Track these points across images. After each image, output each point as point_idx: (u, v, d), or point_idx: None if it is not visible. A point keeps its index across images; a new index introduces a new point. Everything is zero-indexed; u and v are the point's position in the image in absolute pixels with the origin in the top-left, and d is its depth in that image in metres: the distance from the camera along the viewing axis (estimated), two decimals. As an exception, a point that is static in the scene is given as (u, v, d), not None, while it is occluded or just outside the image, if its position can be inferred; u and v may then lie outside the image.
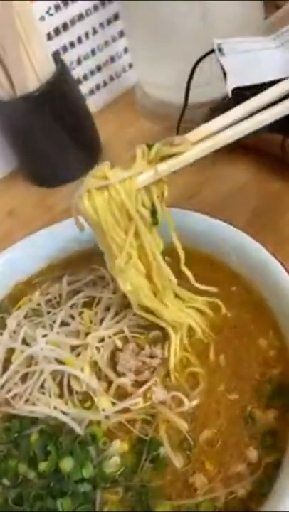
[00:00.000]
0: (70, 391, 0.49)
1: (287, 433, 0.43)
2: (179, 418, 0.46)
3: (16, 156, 0.79)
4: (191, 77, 0.62)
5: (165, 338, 0.50)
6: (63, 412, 0.47)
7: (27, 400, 0.49)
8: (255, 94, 0.47)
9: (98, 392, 0.48)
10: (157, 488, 0.43)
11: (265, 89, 0.47)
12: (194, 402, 0.46)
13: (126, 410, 0.47)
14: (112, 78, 0.89)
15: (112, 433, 0.46)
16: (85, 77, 0.85)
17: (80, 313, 0.53)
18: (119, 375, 0.49)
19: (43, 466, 0.45)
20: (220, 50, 0.56)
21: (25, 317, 0.55)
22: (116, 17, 0.84)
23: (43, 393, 0.49)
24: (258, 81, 0.52)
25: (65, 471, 0.44)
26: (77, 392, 0.49)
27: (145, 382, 0.48)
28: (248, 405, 0.45)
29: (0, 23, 0.64)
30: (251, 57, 0.56)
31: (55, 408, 0.48)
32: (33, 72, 0.69)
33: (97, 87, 0.87)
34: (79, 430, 0.46)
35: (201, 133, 0.45)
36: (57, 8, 0.77)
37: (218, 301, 0.52)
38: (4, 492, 0.45)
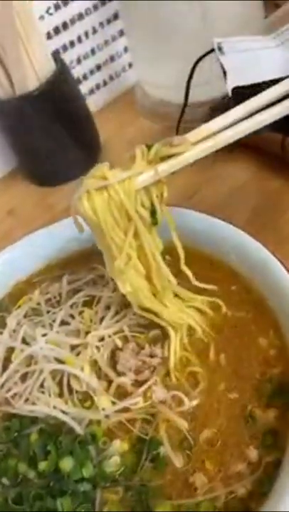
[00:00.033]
0: (70, 390, 0.49)
1: (288, 432, 0.43)
2: (179, 417, 0.45)
3: (16, 155, 0.79)
4: (191, 77, 0.62)
5: (165, 337, 0.50)
6: (63, 412, 0.47)
7: (27, 400, 0.49)
8: (255, 93, 0.47)
9: (98, 392, 0.48)
10: (157, 487, 0.43)
11: (265, 88, 0.47)
12: (194, 402, 0.46)
13: (126, 410, 0.47)
14: (111, 77, 0.89)
15: (112, 432, 0.46)
16: (85, 77, 0.85)
17: (80, 313, 0.53)
18: (119, 374, 0.49)
19: (42, 465, 0.44)
20: (220, 49, 0.56)
21: (25, 316, 0.55)
22: (116, 16, 0.84)
23: (43, 392, 0.49)
24: (258, 80, 0.52)
25: (65, 471, 0.44)
26: (77, 392, 0.49)
27: (145, 381, 0.48)
28: (248, 404, 0.45)
29: (0, 23, 0.64)
30: (251, 56, 0.56)
31: (54, 407, 0.47)
32: (33, 72, 0.69)
33: (97, 87, 0.87)
34: (79, 429, 0.46)
35: (201, 133, 0.45)
36: (57, 7, 0.77)
37: (218, 301, 0.52)
38: (4, 491, 0.45)
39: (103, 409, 0.47)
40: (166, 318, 0.50)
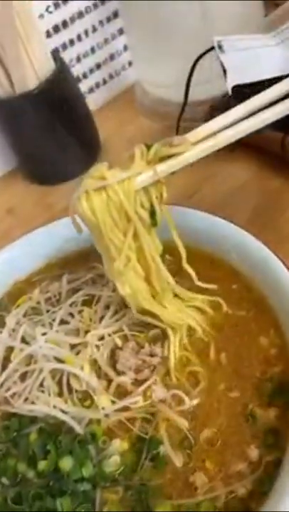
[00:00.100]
0: (70, 389, 0.49)
1: (288, 431, 0.43)
2: (179, 416, 0.45)
3: (16, 155, 0.79)
4: (191, 75, 0.62)
5: (165, 336, 0.50)
6: (63, 411, 0.47)
7: (26, 399, 0.49)
8: (255, 91, 0.47)
9: (98, 391, 0.48)
10: (157, 487, 0.43)
11: (265, 86, 0.47)
12: (195, 401, 0.46)
13: (126, 409, 0.47)
14: (111, 76, 0.88)
15: (111, 432, 0.46)
16: (85, 75, 0.85)
17: (80, 312, 0.53)
18: (119, 373, 0.49)
19: (42, 465, 0.44)
20: (220, 47, 0.56)
21: (25, 315, 0.55)
22: (115, 15, 0.83)
23: (43, 392, 0.48)
24: (258, 78, 0.52)
25: (64, 470, 0.44)
26: (76, 391, 0.48)
27: (145, 380, 0.48)
28: (248, 404, 0.45)
29: (0, 23, 0.64)
30: (251, 55, 0.56)
31: (54, 407, 0.47)
32: (33, 71, 0.69)
33: (97, 85, 0.87)
34: (78, 429, 0.46)
35: (201, 133, 0.45)
36: (56, 5, 0.76)
37: (219, 300, 0.52)
38: (3, 491, 0.44)
39: (103, 408, 0.47)
40: (166, 319, 0.49)
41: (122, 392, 0.48)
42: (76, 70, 0.82)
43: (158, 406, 0.46)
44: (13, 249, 0.59)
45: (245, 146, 0.67)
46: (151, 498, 0.42)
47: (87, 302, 0.54)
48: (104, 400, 0.47)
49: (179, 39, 0.71)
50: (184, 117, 0.66)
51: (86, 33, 0.82)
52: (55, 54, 0.73)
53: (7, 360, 0.52)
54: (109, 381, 0.49)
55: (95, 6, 0.81)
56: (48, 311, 0.54)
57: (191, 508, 0.41)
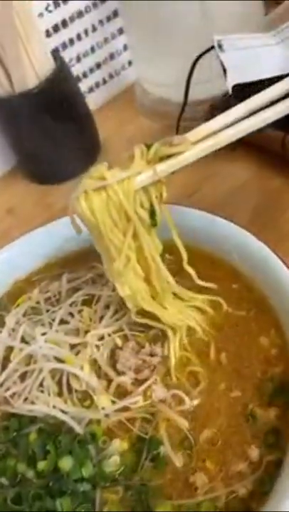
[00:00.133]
0: (70, 389, 0.49)
1: (289, 431, 0.43)
2: (180, 416, 0.45)
3: (16, 154, 0.79)
4: (190, 74, 0.61)
5: (165, 336, 0.50)
6: (62, 411, 0.47)
7: (26, 399, 0.48)
8: (255, 90, 0.47)
9: (98, 391, 0.48)
10: (157, 487, 0.43)
11: (265, 85, 0.47)
12: (195, 401, 0.46)
13: (126, 409, 0.47)
14: (111, 76, 0.88)
15: (111, 432, 0.46)
16: (85, 75, 0.85)
17: (80, 311, 0.53)
18: (119, 373, 0.49)
19: (42, 465, 0.44)
20: (220, 46, 0.56)
21: (24, 315, 0.55)
22: (115, 14, 0.83)
23: (42, 392, 0.48)
24: (258, 77, 0.52)
25: (64, 470, 0.43)
26: (76, 391, 0.48)
27: (145, 380, 0.48)
28: (249, 404, 0.45)
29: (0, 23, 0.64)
30: (251, 54, 0.56)
31: (54, 407, 0.47)
32: (32, 70, 0.69)
33: (97, 85, 0.87)
34: (78, 429, 0.46)
35: (202, 132, 0.45)
36: (56, 5, 0.76)
37: (219, 299, 0.52)
38: (3, 491, 0.44)
39: (103, 408, 0.47)
40: (166, 320, 0.49)
41: (122, 392, 0.48)
42: (76, 70, 0.82)
43: (158, 406, 0.46)
44: (12, 249, 0.59)
45: (245, 145, 0.67)
46: (151, 498, 0.42)
47: (87, 302, 0.54)
48: (104, 400, 0.47)
49: (179, 39, 0.71)
50: (184, 117, 0.66)
51: (86, 32, 0.82)
52: (55, 53, 0.73)
53: (7, 360, 0.52)
54: (109, 381, 0.49)
55: (95, 5, 0.81)
56: (47, 311, 0.54)
57: (191, 508, 0.41)
